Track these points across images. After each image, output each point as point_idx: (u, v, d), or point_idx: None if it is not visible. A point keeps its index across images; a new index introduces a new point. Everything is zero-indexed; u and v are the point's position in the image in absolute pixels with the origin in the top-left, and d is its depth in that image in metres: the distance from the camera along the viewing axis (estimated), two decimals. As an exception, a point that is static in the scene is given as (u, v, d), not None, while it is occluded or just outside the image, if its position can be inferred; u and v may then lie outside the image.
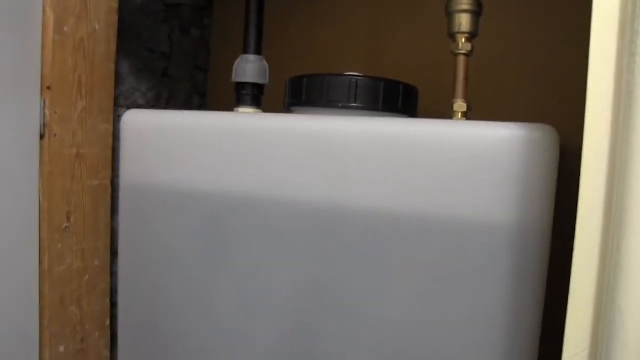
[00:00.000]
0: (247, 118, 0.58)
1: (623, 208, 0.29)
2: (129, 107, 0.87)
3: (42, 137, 0.66)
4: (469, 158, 0.46)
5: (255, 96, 0.68)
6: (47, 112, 0.65)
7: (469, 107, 0.56)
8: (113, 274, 0.83)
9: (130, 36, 0.86)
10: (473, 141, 0.46)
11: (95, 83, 0.71)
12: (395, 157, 0.49)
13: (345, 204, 0.51)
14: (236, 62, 0.68)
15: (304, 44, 0.93)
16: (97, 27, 0.70)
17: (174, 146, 0.61)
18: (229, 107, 0.70)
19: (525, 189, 0.45)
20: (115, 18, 0.74)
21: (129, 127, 0.64)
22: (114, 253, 0.82)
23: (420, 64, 0.82)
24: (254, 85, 0.67)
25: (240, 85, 0.68)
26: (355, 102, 0.58)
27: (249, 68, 0.67)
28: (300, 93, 0.61)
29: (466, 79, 0.56)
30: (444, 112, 0.59)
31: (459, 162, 0.46)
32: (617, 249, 0.30)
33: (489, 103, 0.72)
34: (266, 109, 0.69)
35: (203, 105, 1.05)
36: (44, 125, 0.66)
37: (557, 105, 0.73)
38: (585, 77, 0.31)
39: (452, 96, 0.57)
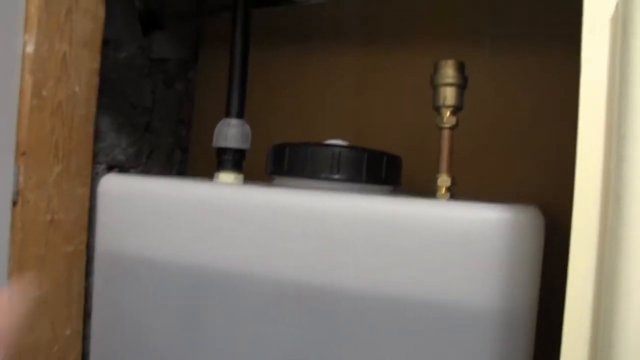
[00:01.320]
0: (226, 189, 0.56)
1: (613, 295, 0.28)
2: (108, 164, 0.86)
3: (14, 203, 0.64)
4: (451, 240, 0.45)
5: (237, 161, 0.67)
6: (21, 178, 0.63)
7: (453, 181, 0.55)
8: (85, 338, 0.80)
9: (113, 91, 0.85)
10: (455, 223, 0.45)
11: (73, 146, 0.70)
12: (377, 236, 0.48)
13: (326, 283, 0.49)
14: (217, 126, 0.67)
15: (288, 106, 0.93)
16: (77, 89, 0.69)
17: (151, 215, 0.59)
18: (210, 162, 0.68)
19: (510, 272, 0.44)
20: (96, 79, 0.72)
21: (106, 193, 0.62)
22: (87, 315, 0.79)
23: (405, 131, 0.82)
24: (236, 150, 0.66)
25: (222, 150, 0.66)
26: (338, 173, 0.57)
27: (231, 133, 0.66)
28: (282, 162, 0.60)
29: (450, 152, 0.56)
30: (429, 180, 0.58)
31: (440, 243, 0.45)
32: (609, 342, 0.29)
33: (474, 174, 0.72)
34: (248, 172, 0.68)
35: (184, 161, 1.03)
36: (17, 192, 0.63)
37: (544, 179, 0.73)
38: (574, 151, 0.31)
39: (437, 165, 0.57)
